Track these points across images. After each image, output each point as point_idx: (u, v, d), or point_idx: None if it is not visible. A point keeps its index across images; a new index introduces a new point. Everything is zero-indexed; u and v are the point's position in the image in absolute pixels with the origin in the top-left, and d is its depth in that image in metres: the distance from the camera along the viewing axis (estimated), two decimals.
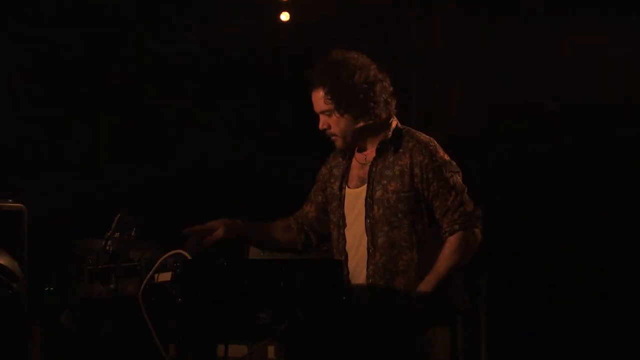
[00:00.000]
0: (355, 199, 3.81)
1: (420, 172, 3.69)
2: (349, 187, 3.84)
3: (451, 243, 3.67)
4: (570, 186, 5.51)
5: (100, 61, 5.60)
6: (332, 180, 3.94)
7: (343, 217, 3.82)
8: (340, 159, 3.92)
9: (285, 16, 5.99)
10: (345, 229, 3.82)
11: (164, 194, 5.50)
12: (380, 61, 3.80)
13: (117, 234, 3.66)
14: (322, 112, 3.78)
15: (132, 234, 3.67)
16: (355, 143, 3.83)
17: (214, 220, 3.80)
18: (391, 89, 3.80)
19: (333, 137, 3.82)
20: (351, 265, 3.80)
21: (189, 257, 3.30)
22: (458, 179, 3.74)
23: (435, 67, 5.81)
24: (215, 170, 5.71)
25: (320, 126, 3.82)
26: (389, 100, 3.79)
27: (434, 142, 3.78)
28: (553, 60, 5.52)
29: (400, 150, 3.75)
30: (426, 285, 3.67)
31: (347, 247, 3.81)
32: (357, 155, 3.88)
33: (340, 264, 3.46)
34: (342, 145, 3.82)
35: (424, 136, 3.81)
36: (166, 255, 3.36)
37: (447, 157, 3.76)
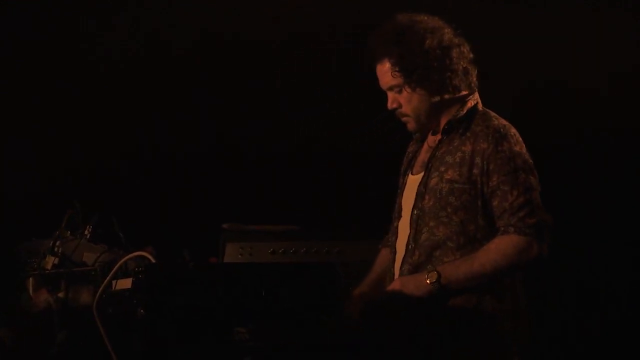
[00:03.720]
0: (413, 186, 3.74)
1: (481, 162, 3.58)
2: (412, 173, 3.82)
3: (500, 240, 3.50)
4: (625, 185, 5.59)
5: (47, 44, 5.71)
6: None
7: (399, 207, 3.77)
8: (418, 143, 3.86)
9: None
10: (400, 222, 3.79)
11: (123, 186, 5.59)
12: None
13: (67, 234, 3.81)
14: (390, 89, 3.69)
15: (86, 233, 3.85)
16: (430, 123, 3.73)
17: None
18: (471, 55, 3.73)
19: (404, 118, 3.76)
20: (397, 264, 3.73)
21: (153, 260, 3.42)
22: (529, 178, 3.54)
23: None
24: (181, 158, 5.75)
25: (389, 105, 3.73)
26: (469, 68, 3.73)
27: (507, 129, 3.60)
28: (596, 36, 5.63)
29: (467, 134, 3.66)
30: (453, 268, 3.54)
31: (398, 242, 3.78)
32: (430, 137, 3.82)
33: (336, 269, 3.39)
34: (414, 127, 3.76)
35: (500, 121, 3.65)
36: (126, 257, 3.50)
37: (518, 149, 3.58)
